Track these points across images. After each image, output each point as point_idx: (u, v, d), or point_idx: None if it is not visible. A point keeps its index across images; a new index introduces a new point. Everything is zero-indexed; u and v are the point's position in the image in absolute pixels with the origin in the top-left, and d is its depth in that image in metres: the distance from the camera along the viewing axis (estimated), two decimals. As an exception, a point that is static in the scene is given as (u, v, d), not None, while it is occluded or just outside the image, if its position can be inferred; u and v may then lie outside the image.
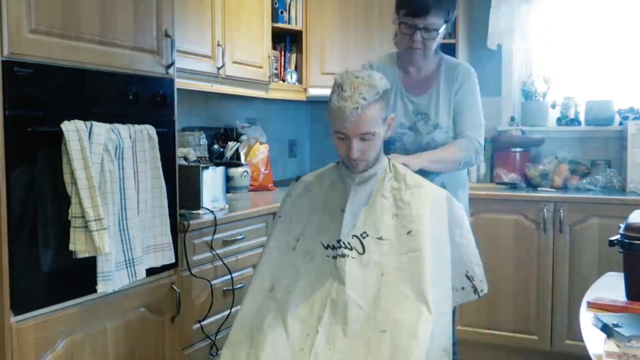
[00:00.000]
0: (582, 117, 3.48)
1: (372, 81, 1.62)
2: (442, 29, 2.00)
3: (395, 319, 1.53)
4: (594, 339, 1.38)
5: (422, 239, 1.60)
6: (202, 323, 2.35)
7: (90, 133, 1.75)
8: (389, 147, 2.07)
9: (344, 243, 1.64)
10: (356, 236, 1.64)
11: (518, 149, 3.49)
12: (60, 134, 1.70)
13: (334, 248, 1.65)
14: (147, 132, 1.96)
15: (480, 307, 2.20)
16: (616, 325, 1.36)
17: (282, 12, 3.43)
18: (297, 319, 1.60)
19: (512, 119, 3.64)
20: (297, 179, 1.83)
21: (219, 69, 2.80)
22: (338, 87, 1.62)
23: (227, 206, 2.59)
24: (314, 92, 3.58)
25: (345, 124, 1.60)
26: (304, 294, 1.63)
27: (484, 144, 2.11)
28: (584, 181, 3.31)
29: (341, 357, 1.52)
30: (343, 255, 1.63)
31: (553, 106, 3.58)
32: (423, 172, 1.83)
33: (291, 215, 1.77)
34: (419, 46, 2.00)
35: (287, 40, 3.57)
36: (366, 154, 1.65)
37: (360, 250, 1.62)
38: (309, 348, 1.54)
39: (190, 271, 2.27)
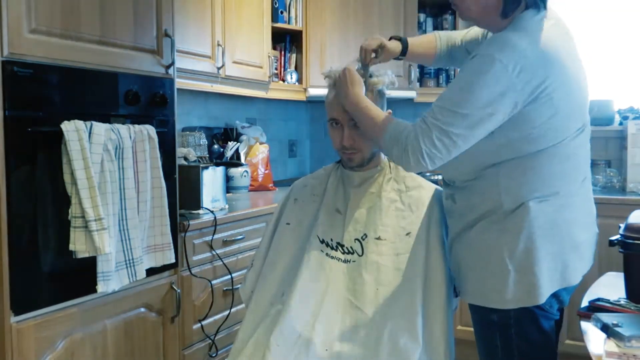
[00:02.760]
0: (582, 117, 3.48)
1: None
2: None
3: (394, 321, 1.53)
4: (594, 339, 1.38)
5: (419, 240, 1.61)
6: (202, 323, 2.35)
7: (90, 133, 1.75)
8: None
9: (346, 248, 1.64)
10: (357, 239, 1.64)
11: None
12: (60, 134, 1.70)
13: (328, 245, 1.65)
14: (147, 132, 1.96)
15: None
16: (616, 325, 1.36)
17: (282, 12, 3.43)
18: (296, 315, 1.59)
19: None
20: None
21: (219, 69, 2.80)
22: (334, 79, 1.65)
23: (227, 206, 2.59)
24: (314, 92, 3.58)
25: (337, 108, 1.62)
26: (302, 290, 1.62)
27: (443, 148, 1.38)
28: (584, 181, 3.31)
29: (338, 358, 1.52)
30: (346, 261, 1.63)
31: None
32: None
33: (301, 220, 1.74)
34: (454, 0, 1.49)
35: (287, 40, 3.57)
36: (359, 144, 1.65)
37: (360, 252, 1.62)
38: (306, 348, 1.54)
39: (190, 271, 2.27)
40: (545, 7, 1.44)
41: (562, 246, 1.45)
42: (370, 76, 1.66)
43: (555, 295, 1.47)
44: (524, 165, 1.43)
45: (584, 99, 1.54)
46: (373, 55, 1.69)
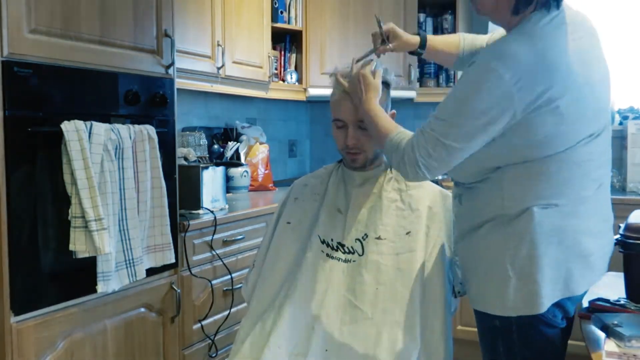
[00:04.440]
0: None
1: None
2: None
3: (393, 320, 1.53)
4: (594, 339, 1.38)
5: (419, 239, 1.61)
6: (202, 323, 2.35)
7: (90, 133, 1.75)
8: None
9: (347, 248, 1.64)
10: (358, 239, 1.64)
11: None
12: (60, 134, 1.70)
13: (328, 245, 1.65)
14: (147, 132, 1.96)
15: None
16: (616, 325, 1.36)
17: (282, 12, 3.43)
18: (295, 315, 1.60)
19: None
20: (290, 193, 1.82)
21: (219, 69, 2.80)
22: (341, 76, 1.66)
23: (227, 206, 2.59)
24: (313, 92, 3.58)
25: (343, 109, 1.63)
26: (302, 291, 1.62)
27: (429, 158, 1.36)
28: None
29: (338, 358, 1.53)
30: (347, 261, 1.63)
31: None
32: None
33: (301, 219, 1.74)
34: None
35: (287, 40, 3.57)
36: (364, 145, 1.65)
37: (360, 251, 1.62)
38: (305, 348, 1.54)
39: (190, 271, 2.27)
40: (558, 7, 1.41)
41: (567, 254, 1.38)
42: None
43: (558, 305, 1.42)
44: (530, 170, 1.39)
45: (600, 103, 1.44)
46: (381, 43, 1.68)
